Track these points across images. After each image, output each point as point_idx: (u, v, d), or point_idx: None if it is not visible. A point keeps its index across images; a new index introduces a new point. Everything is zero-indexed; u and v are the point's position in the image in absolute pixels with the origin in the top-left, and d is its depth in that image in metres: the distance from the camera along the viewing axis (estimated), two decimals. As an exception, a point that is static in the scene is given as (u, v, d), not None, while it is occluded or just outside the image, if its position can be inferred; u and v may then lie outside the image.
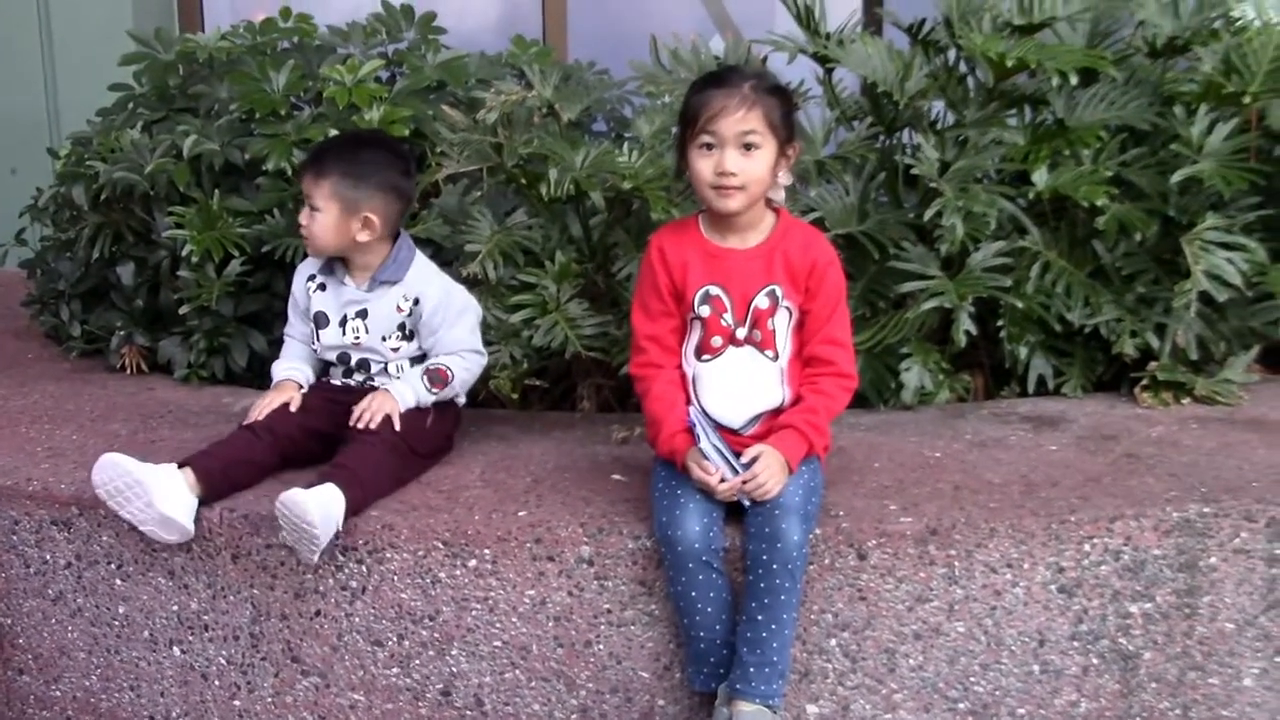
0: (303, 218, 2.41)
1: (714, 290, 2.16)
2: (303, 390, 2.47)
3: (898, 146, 3.07)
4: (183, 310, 2.96)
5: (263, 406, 2.38)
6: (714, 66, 3.12)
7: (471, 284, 2.59)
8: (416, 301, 2.41)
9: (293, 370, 2.50)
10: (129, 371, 3.17)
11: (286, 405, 2.39)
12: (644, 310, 2.22)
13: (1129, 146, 2.98)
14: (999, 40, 2.97)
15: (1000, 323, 2.84)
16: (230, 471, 2.24)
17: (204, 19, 5.26)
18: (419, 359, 2.46)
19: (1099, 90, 3.02)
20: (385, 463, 2.25)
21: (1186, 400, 2.81)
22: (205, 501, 2.20)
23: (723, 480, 2.05)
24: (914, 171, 2.83)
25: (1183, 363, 2.84)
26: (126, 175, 3.03)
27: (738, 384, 2.18)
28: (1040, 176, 2.87)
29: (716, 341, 2.17)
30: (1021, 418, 2.73)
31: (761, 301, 2.16)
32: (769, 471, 2.06)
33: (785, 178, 2.19)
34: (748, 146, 2.08)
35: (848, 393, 2.20)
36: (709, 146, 2.09)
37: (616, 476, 2.36)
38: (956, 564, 2.12)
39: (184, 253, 2.89)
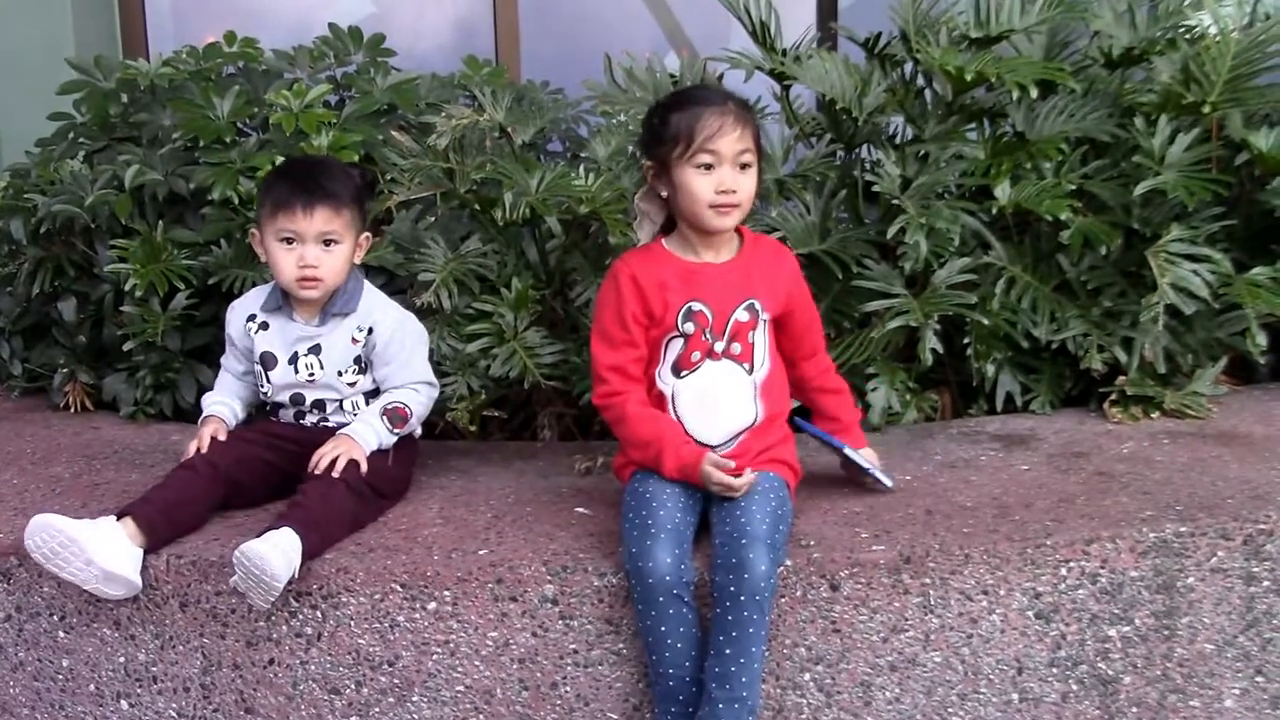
0: (310, 258, 2.23)
1: (697, 305, 2.13)
2: (230, 427, 2.38)
3: (856, 163, 3.03)
4: (127, 346, 2.87)
5: (193, 447, 2.29)
6: (670, 85, 3.08)
7: (425, 313, 2.51)
8: (370, 331, 2.33)
9: (219, 405, 2.40)
10: (73, 410, 3.07)
11: (227, 440, 2.30)
12: (605, 340, 2.16)
13: (1090, 159, 2.96)
14: (956, 53, 2.94)
15: (967, 340, 2.79)
16: (173, 514, 2.14)
17: (149, 44, 5.15)
18: (373, 393, 2.37)
19: (1058, 102, 2.99)
20: (345, 505, 2.15)
21: (1156, 414, 2.77)
22: (150, 550, 2.10)
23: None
24: (876, 188, 2.78)
25: (1150, 376, 2.81)
26: (66, 208, 2.93)
27: (716, 399, 2.14)
28: (1003, 191, 2.83)
29: (695, 356, 2.14)
30: (991, 436, 2.68)
31: (741, 315, 2.14)
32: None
33: None
34: (743, 166, 2.09)
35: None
36: (708, 166, 2.07)
37: (580, 509, 2.29)
38: (931, 592, 2.06)
39: (127, 287, 2.79)
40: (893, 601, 2.06)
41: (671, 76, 3.14)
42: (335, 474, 2.19)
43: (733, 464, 2.05)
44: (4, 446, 2.80)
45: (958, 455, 2.55)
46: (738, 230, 2.19)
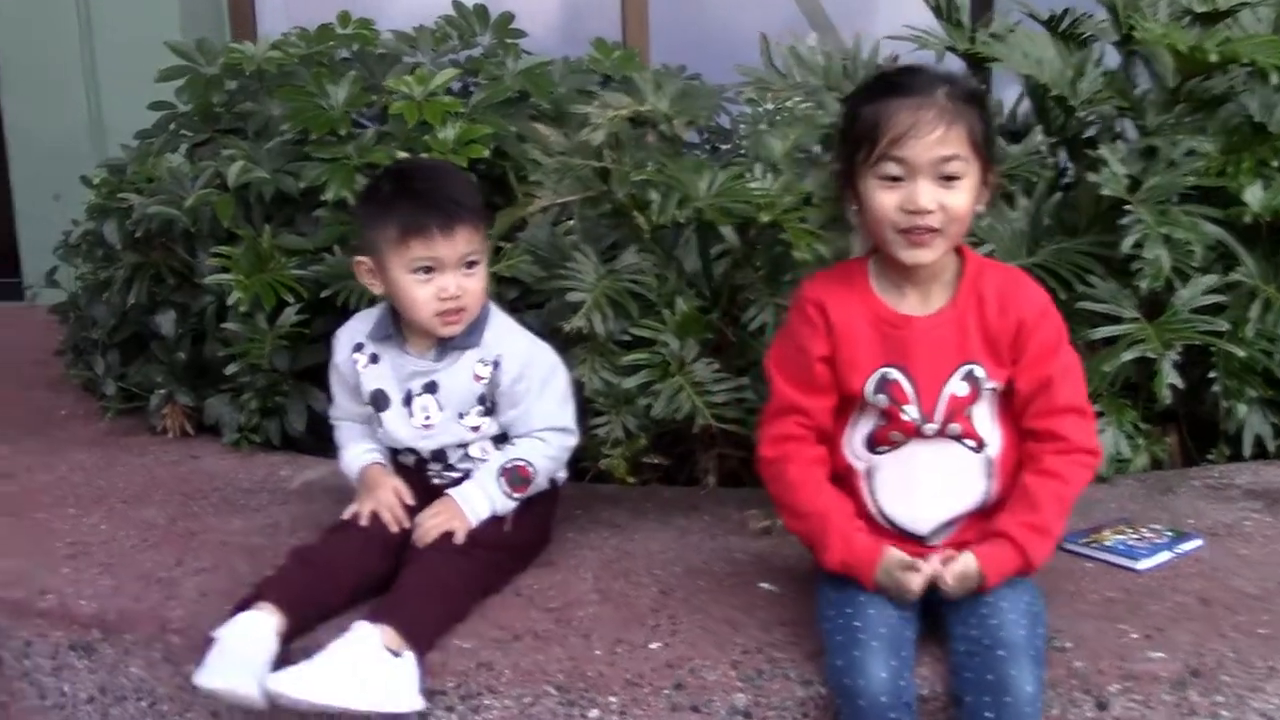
0: (453, 288, 1.86)
1: (893, 374, 1.67)
2: (391, 470, 2.01)
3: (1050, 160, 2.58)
4: (230, 369, 2.53)
5: (369, 510, 1.90)
6: (841, 69, 2.66)
7: (574, 340, 2.13)
8: (496, 365, 1.94)
9: (371, 453, 2.01)
10: (171, 435, 2.75)
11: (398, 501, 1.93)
12: (787, 378, 1.72)
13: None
14: (1181, 30, 2.49)
15: (1212, 374, 2.32)
16: (326, 611, 1.77)
17: (257, 28, 4.87)
18: (503, 437, 1.99)
19: (1303, 87, 2.50)
20: (454, 578, 1.78)
21: None
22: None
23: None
24: (1106, 191, 2.33)
25: None
26: (163, 209, 2.61)
27: (928, 481, 1.69)
28: (1254, 195, 2.36)
29: (896, 436, 1.69)
30: (1245, 492, 2.22)
31: (958, 387, 1.66)
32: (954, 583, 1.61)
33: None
34: (947, 177, 1.60)
35: (1087, 470, 1.68)
36: (894, 177, 1.61)
37: (765, 585, 1.89)
38: (1224, 714, 1.62)
39: (230, 301, 2.46)
40: (1174, 724, 1.63)
41: (843, 60, 2.71)
42: (425, 541, 1.85)
43: (924, 566, 1.61)
44: (95, 480, 2.49)
45: (1215, 519, 2.10)
46: (959, 252, 1.71)
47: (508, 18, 3.12)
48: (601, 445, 2.10)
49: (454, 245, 1.84)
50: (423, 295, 1.86)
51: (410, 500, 1.92)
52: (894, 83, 1.66)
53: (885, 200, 1.61)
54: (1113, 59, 2.67)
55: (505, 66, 2.91)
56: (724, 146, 3.08)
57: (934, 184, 1.59)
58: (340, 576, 1.80)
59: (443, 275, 1.86)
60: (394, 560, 1.85)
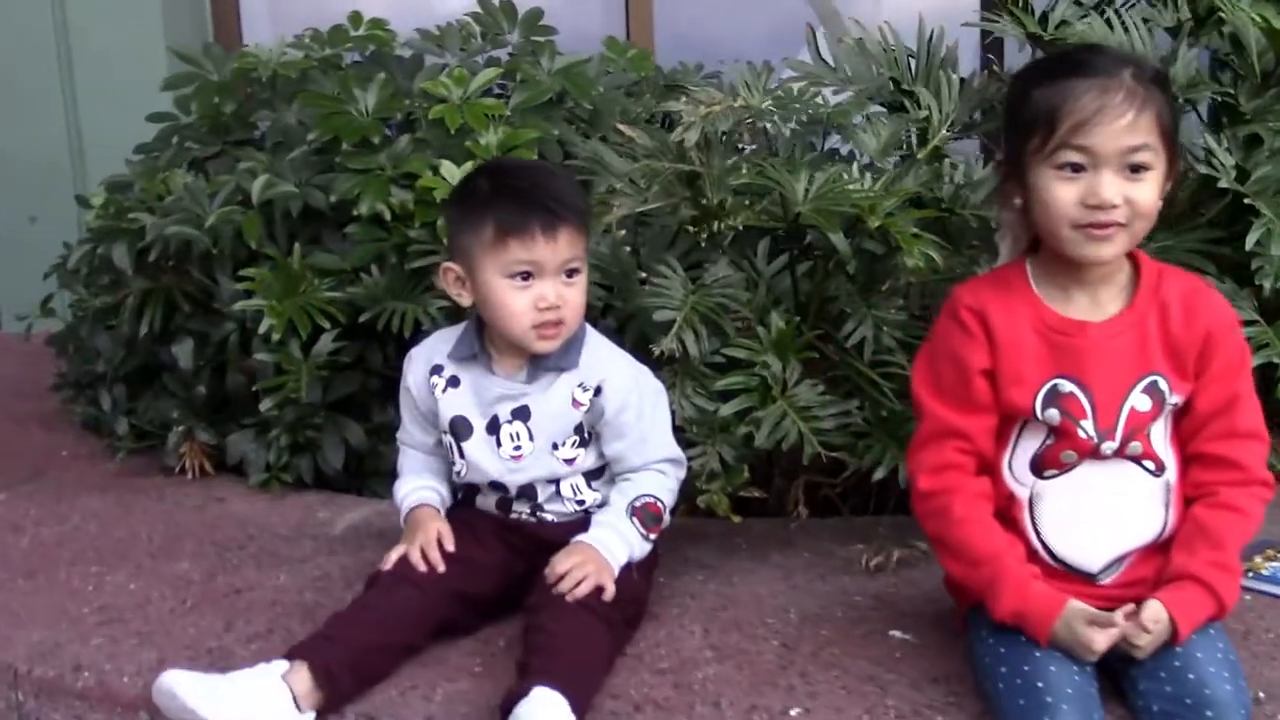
0: (552, 296, 1.65)
1: (1066, 386, 1.48)
2: (441, 514, 1.80)
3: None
4: (265, 406, 2.29)
5: (396, 557, 1.69)
6: (908, 56, 2.48)
7: (661, 363, 1.91)
8: (598, 391, 1.73)
9: (423, 491, 1.81)
10: (191, 475, 2.50)
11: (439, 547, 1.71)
12: (942, 397, 1.53)
13: None
14: (1272, 7, 2.34)
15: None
16: (363, 666, 1.56)
17: (243, 37, 4.62)
18: (594, 472, 1.79)
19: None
20: (604, 645, 1.58)
21: None
22: (326, 711, 1.52)
23: None
24: (1222, 183, 2.15)
25: None
26: (182, 229, 2.37)
27: (1101, 510, 1.50)
28: (1369, 184, 2.19)
29: (1067, 457, 1.50)
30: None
31: (1140, 401, 1.47)
32: (1149, 635, 1.41)
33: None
34: (1134, 168, 1.41)
35: (1263, 504, 1.51)
36: (1074, 167, 1.42)
37: (897, 634, 1.69)
38: None
39: (263, 329, 2.22)
40: (1392, 785, 1.44)
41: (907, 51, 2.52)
42: (578, 595, 1.61)
43: (1118, 621, 1.41)
44: (113, 530, 2.25)
45: (1365, 539, 1.92)
46: (1130, 257, 1.52)
47: (537, 14, 2.90)
48: (697, 479, 1.89)
49: (556, 249, 1.64)
50: (519, 304, 1.65)
51: (450, 546, 1.71)
52: (1074, 61, 1.48)
53: (1063, 193, 1.42)
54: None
55: (540, 66, 2.70)
56: (749, 148, 2.90)
57: (1119, 176, 1.41)
58: (377, 650, 1.60)
59: (542, 282, 1.65)
60: (436, 625, 1.67)
